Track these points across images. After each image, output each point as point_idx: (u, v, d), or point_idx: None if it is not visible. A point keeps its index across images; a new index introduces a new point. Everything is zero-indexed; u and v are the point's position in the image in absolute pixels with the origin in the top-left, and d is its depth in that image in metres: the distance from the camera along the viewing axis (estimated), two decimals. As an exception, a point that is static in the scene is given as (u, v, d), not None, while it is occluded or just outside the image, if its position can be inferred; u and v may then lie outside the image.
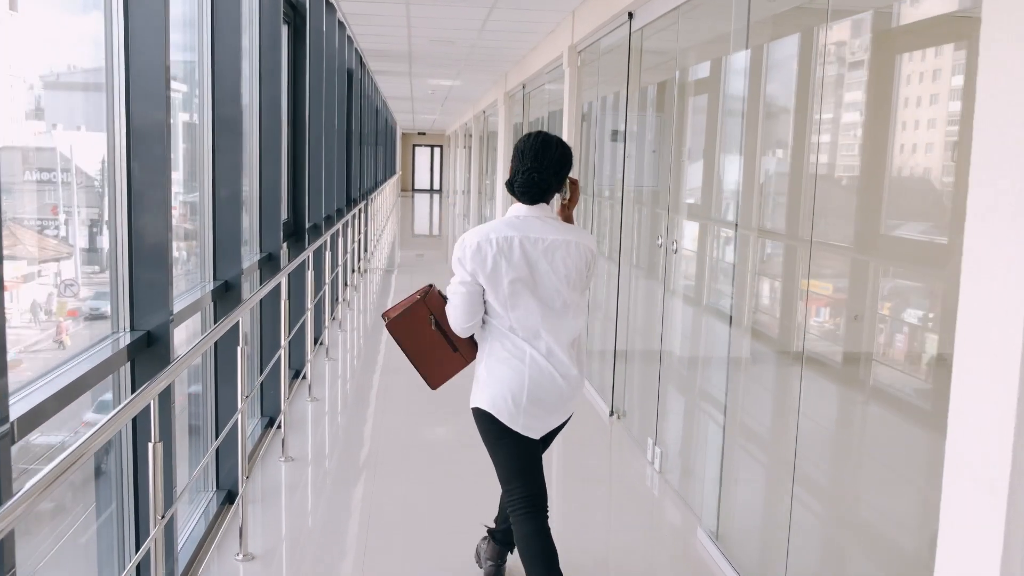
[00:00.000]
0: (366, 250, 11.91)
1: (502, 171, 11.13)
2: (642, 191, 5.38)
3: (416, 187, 37.54)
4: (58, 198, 4.72)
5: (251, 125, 5.12)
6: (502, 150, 12.75)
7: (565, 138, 6.05)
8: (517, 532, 2.76)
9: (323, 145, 7.14)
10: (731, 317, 3.72)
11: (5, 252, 4.30)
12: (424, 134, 35.50)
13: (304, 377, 5.87)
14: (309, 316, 5.64)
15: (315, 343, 6.42)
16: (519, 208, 2.76)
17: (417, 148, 37.14)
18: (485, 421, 2.77)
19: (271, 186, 5.00)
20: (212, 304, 3.96)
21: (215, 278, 4.01)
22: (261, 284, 4.54)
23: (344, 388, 6.43)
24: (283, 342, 4.57)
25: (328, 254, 7.27)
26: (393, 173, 26.06)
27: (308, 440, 5.08)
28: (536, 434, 2.77)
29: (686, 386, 4.56)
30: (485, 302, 2.75)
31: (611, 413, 5.68)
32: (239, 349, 3.42)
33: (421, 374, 2.91)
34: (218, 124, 3.98)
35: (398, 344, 2.87)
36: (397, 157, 31.48)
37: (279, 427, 4.68)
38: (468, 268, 2.70)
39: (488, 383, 2.75)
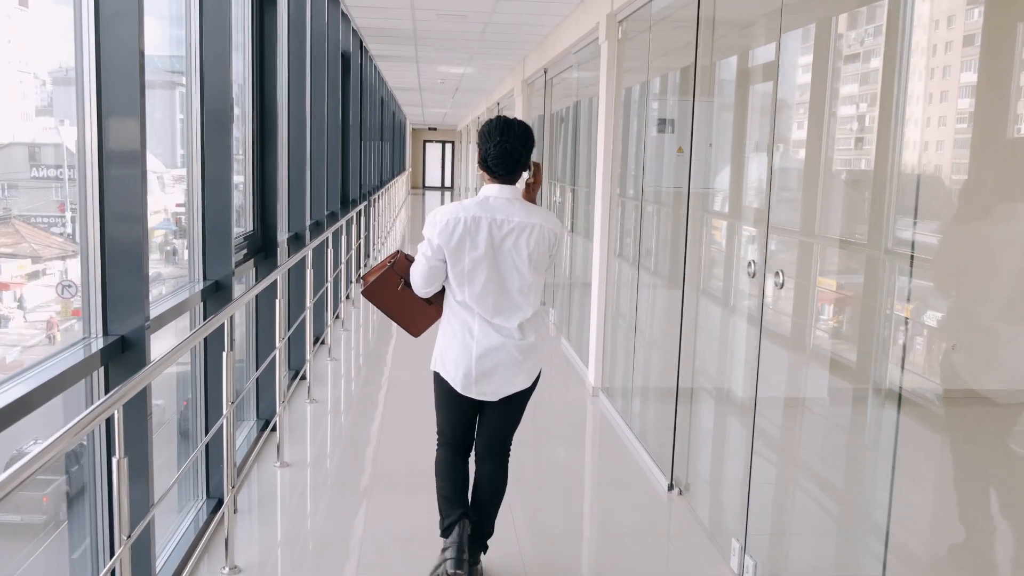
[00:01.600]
0: (368, 255, 11.53)
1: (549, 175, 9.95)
2: (709, 196, 4.18)
3: (427, 184, 37.37)
4: (65, 195, 4.59)
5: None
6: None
7: (602, 129, 5.81)
8: (438, 457, 3.23)
9: (307, 141, 6.42)
10: (858, 367, 2.84)
11: (9, 250, 4.15)
12: (435, 129, 35.13)
13: (304, 378, 5.72)
14: (308, 315, 5.50)
15: (316, 342, 6.27)
16: (490, 189, 2.99)
17: (428, 144, 36.97)
18: (442, 385, 3.11)
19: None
20: (202, 304, 3.81)
21: (205, 277, 3.86)
22: (257, 282, 4.39)
23: (348, 389, 6.29)
24: (278, 343, 4.42)
25: (330, 252, 7.12)
26: (402, 170, 25.80)
27: (306, 444, 4.92)
28: (493, 397, 3.08)
29: (788, 457, 3.33)
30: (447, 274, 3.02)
31: (670, 487, 4.29)
32: (224, 354, 3.27)
33: (403, 328, 3.24)
34: (207, 118, 3.83)
35: (377, 307, 3.18)
36: (407, 153, 31.09)
37: (274, 430, 4.53)
38: (435, 242, 2.94)
39: (445, 356, 3.07)
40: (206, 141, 3.83)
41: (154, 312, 2.93)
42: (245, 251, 4.67)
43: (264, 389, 5.03)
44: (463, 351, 3.01)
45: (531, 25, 8.33)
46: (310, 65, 6.43)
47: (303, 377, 5.74)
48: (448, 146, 36.56)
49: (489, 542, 3.31)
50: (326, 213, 7.26)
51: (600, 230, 5.91)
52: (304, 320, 5.55)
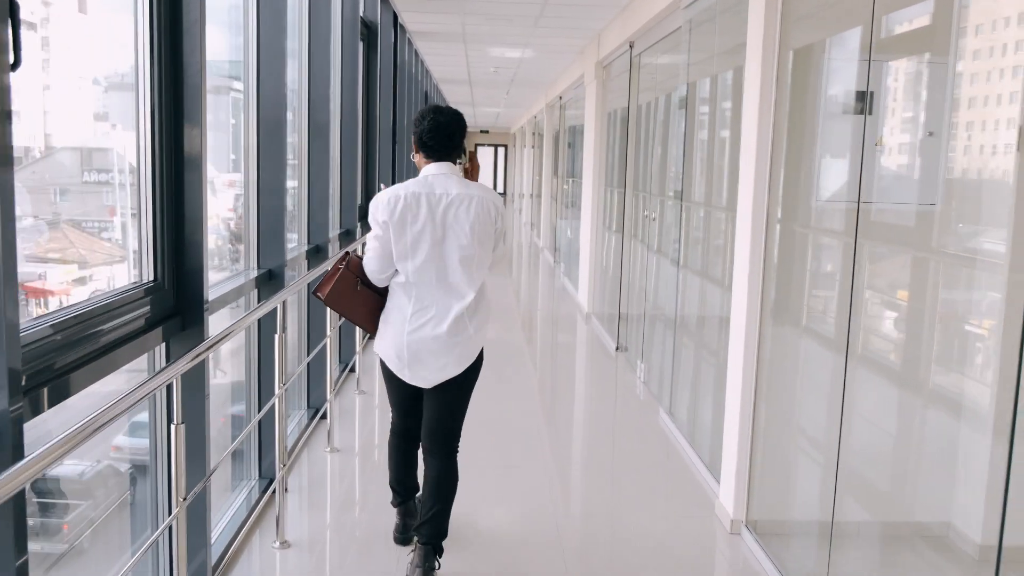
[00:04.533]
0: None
1: (593, 174, 8.78)
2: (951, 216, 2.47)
3: (479, 189, 37.28)
4: (115, 200, 4.77)
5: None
6: (592, 145, 8.69)
7: (752, 116, 3.67)
8: (389, 442, 3.47)
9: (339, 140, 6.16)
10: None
11: (56, 256, 4.39)
12: (487, 132, 34.49)
13: (353, 370, 5.89)
14: None
15: (366, 336, 6.44)
16: (428, 168, 3.12)
17: (479, 148, 36.89)
18: (381, 364, 3.27)
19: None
20: (256, 291, 3.98)
21: (259, 266, 4.03)
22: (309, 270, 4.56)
23: None
24: (328, 331, 4.59)
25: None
26: (454, 172, 25.73)
27: (355, 432, 5.08)
28: (425, 384, 3.17)
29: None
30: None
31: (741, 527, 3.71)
32: (276, 336, 3.43)
33: (361, 327, 3.34)
34: (263, 124, 4.00)
35: (337, 313, 3.26)
36: None
37: (324, 418, 4.70)
38: (380, 220, 3.04)
39: (383, 335, 3.18)
40: (262, 144, 4.00)
41: (213, 295, 3.11)
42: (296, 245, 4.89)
43: (315, 380, 5.20)
44: (396, 331, 3.10)
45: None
46: (344, 47, 6.11)
47: (352, 369, 5.91)
48: (501, 150, 36.54)
49: (453, 547, 3.36)
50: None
51: (745, 273, 3.71)
52: None
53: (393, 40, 7.98)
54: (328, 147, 5.40)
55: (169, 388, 2.33)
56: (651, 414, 5.68)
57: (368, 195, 6.63)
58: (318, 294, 3.17)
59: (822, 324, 3.26)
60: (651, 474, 4.67)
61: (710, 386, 4.61)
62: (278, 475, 3.48)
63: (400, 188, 3.06)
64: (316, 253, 5.19)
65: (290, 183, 4.57)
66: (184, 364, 2.28)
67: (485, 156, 36.87)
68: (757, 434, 3.74)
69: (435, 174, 3.09)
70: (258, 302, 3.96)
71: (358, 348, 5.80)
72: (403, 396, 3.31)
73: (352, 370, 5.92)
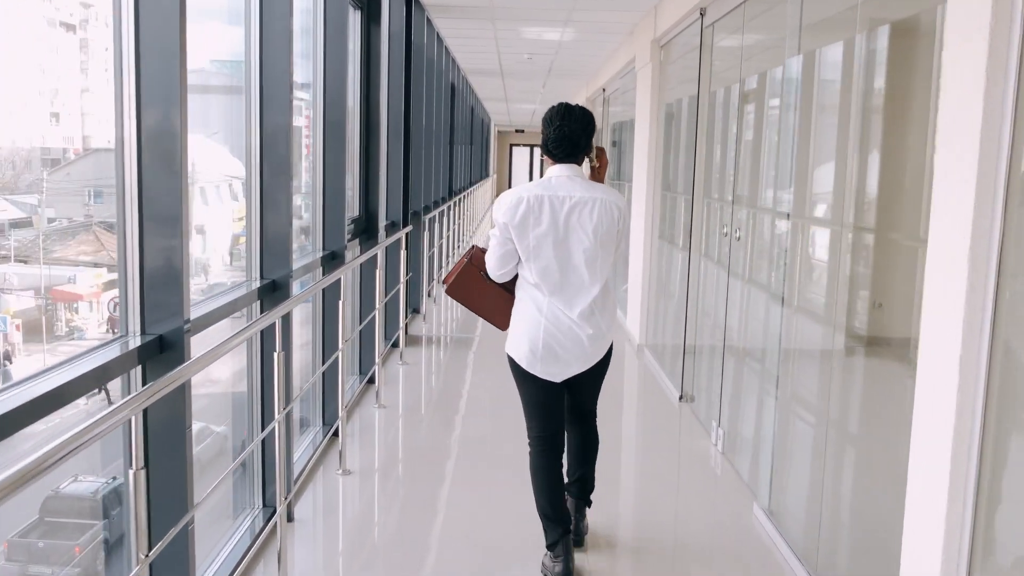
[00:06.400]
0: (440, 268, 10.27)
1: (647, 176, 7.05)
2: None
3: (515, 190, 36.76)
4: None
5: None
6: (646, 141, 7.06)
7: (978, 88, 2.02)
8: (531, 464, 3.25)
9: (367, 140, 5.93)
10: None
11: (88, 259, 4.14)
12: (523, 131, 33.53)
13: (372, 381, 5.60)
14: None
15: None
16: (552, 170, 3.13)
17: (515, 148, 36.39)
18: (512, 365, 3.22)
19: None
20: (259, 303, 3.68)
21: (262, 277, 3.73)
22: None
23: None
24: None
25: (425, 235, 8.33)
26: (486, 175, 25.26)
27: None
28: (555, 378, 3.15)
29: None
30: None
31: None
32: (275, 355, 3.11)
33: (489, 322, 3.36)
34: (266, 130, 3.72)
35: (462, 304, 3.34)
36: (491, 158, 29.21)
37: (336, 435, 4.40)
38: (501, 221, 3.07)
39: (514, 333, 3.18)
40: (264, 152, 3.71)
41: (200, 311, 2.80)
42: (351, 233, 5.03)
43: (331, 395, 4.89)
44: (531, 326, 3.12)
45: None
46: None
47: (371, 381, 5.61)
48: (537, 150, 35.90)
49: (593, 496, 3.48)
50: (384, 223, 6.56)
51: (953, 352, 2.16)
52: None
53: (405, 15, 6.86)
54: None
55: (129, 425, 2.00)
56: (736, 503, 4.03)
57: (368, 209, 6.02)
58: (443, 283, 3.37)
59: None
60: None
61: (854, 484, 3.11)
62: (279, 506, 3.15)
63: (523, 190, 3.08)
64: (330, 260, 4.88)
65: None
66: (145, 398, 1.95)
67: (520, 157, 36.37)
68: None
69: (559, 176, 3.10)
70: (260, 315, 3.66)
71: (377, 359, 5.47)
72: (540, 394, 3.22)
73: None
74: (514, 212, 3.04)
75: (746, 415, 4.42)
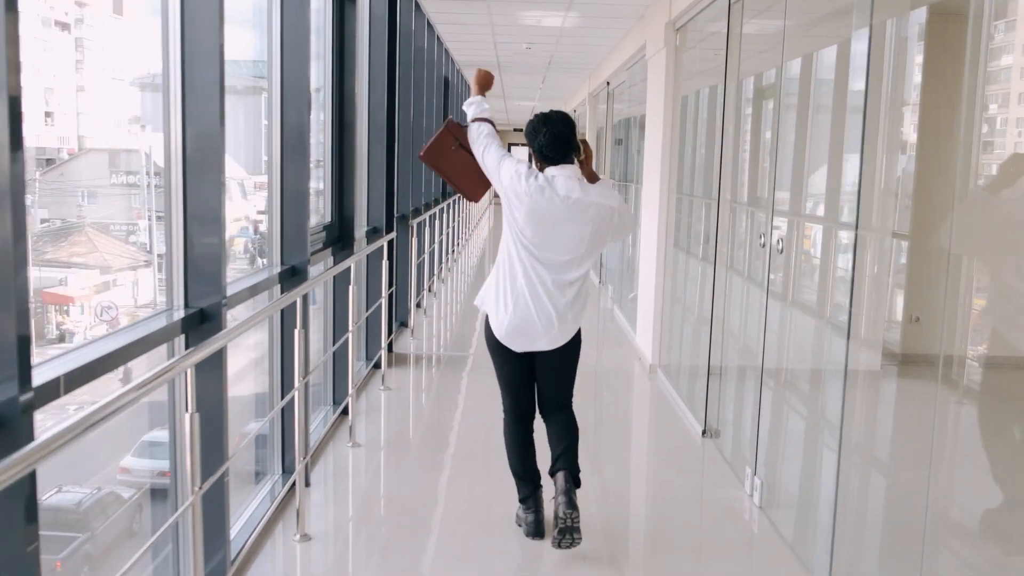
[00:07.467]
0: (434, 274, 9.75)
1: (660, 177, 6.15)
2: None
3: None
4: (143, 202, 4.65)
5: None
6: (660, 138, 6.14)
7: None
8: (504, 430, 3.55)
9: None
10: None
11: (79, 260, 4.32)
12: (521, 130, 33.65)
13: (378, 366, 5.94)
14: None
15: (397, 326, 7.27)
16: (550, 170, 3.29)
17: (513, 148, 36.59)
18: (488, 336, 3.44)
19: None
20: (280, 286, 4.02)
21: (282, 262, 4.07)
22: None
23: (427, 376, 6.55)
24: (351, 326, 4.73)
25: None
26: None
27: (381, 427, 5.15)
28: (519, 348, 3.36)
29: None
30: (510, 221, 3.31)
31: None
32: (296, 331, 3.46)
33: (460, 192, 3.56)
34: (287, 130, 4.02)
35: (435, 170, 3.55)
36: None
37: (346, 413, 4.76)
38: (512, 170, 3.27)
39: (489, 308, 3.38)
40: (285, 148, 4.02)
41: (234, 289, 3.15)
42: (323, 242, 4.92)
43: (340, 378, 5.24)
44: (501, 304, 3.31)
45: None
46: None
47: (377, 366, 5.95)
48: (534, 151, 36.09)
49: (581, 476, 3.45)
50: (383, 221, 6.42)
51: None
52: (380, 310, 5.82)
53: (411, 23, 6.53)
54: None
55: (185, 376, 2.35)
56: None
57: (343, 211, 5.19)
58: (420, 156, 3.54)
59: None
60: None
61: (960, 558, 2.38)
62: (298, 466, 3.50)
63: (540, 174, 3.27)
64: (342, 250, 5.21)
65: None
66: (196, 355, 2.31)
67: (520, 157, 36.35)
68: None
69: (556, 175, 3.27)
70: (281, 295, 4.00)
71: (383, 344, 5.83)
72: (511, 374, 3.46)
73: (377, 367, 5.97)
74: (524, 178, 3.23)
75: (792, 462, 3.60)
